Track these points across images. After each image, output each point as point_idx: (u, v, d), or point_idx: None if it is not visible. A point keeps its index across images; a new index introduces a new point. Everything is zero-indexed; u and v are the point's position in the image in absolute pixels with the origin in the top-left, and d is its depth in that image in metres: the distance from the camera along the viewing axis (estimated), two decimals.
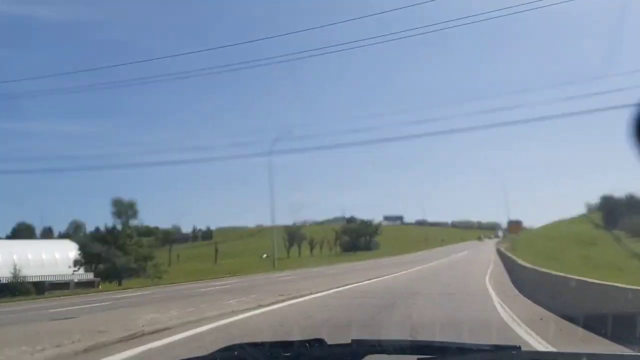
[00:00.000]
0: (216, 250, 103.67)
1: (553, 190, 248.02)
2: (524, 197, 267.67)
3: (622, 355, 2.29)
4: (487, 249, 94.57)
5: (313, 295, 16.79)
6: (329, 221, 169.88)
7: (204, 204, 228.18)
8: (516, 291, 16.92)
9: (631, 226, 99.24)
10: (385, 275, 26.80)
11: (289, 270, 45.25)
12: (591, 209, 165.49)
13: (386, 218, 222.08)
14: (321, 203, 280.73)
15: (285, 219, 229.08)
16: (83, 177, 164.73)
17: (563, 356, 2.74)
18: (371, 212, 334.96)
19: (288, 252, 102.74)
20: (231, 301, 15.21)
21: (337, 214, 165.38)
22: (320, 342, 2.35)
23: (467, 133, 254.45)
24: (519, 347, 2.27)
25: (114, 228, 51.40)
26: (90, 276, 48.17)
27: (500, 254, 63.45)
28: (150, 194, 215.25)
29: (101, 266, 49.18)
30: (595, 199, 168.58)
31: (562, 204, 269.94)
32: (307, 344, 2.35)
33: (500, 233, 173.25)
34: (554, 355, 2.98)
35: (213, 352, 2.43)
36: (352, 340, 2.37)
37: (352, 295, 16.69)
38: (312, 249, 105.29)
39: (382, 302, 14.17)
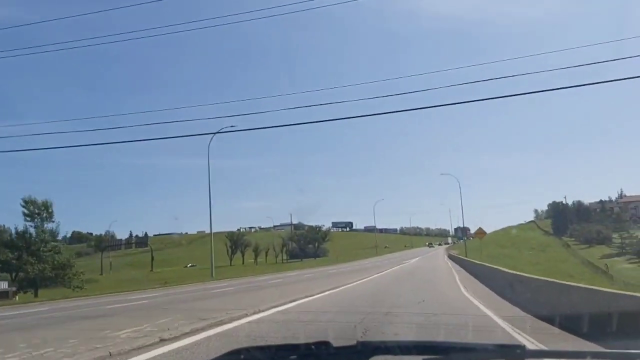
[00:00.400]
0: (152, 258, 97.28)
1: (501, 197, 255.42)
2: (472, 204, 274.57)
3: (627, 353, 2.17)
4: (440, 254, 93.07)
5: (248, 319, 12.06)
6: (277, 227, 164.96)
7: (143, 210, 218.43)
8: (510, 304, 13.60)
9: (580, 233, 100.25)
10: (338, 287, 22.38)
11: (229, 279, 40.15)
12: (539, 216, 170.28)
13: (335, 224, 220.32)
14: (271, 209, 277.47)
15: (230, 225, 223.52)
16: None
17: (567, 355, 2.73)
18: (320, 218, 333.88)
19: (231, 260, 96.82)
20: (125, 331, 10.27)
21: (285, 220, 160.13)
22: (326, 344, 2.33)
23: (419, 139, 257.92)
24: (524, 346, 2.22)
25: (25, 232, 44.68)
26: (4, 285, 42.14)
27: (454, 259, 61.93)
28: (83, 197, 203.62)
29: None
30: (542, 207, 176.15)
31: (510, 211, 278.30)
32: (313, 346, 2.35)
33: (450, 240, 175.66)
34: (558, 354, 2.78)
35: (220, 356, 2.38)
36: (358, 342, 2.36)
37: (303, 319, 12.05)
38: (256, 256, 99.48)
39: (346, 330, 9.69)
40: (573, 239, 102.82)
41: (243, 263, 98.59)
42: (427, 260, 63.57)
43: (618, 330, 7.00)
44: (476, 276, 25.88)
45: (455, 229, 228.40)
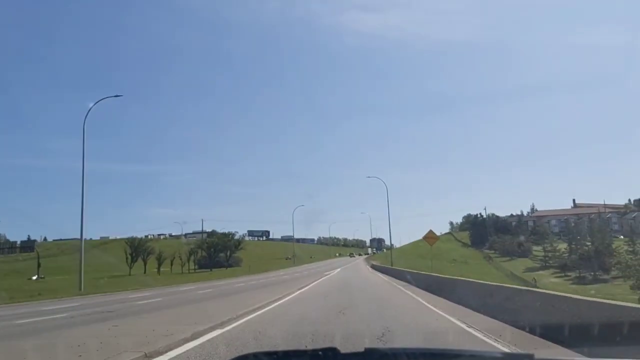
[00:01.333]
0: (38, 265, 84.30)
1: (416, 208, 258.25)
2: (385, 214, 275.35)
3: None
4: (362, 265, 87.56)
5: None
6: (189, 235, 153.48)
7: (45, 213, 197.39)
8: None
9: (500, 246, 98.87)
10: (249, 312, 14.41)
11: (105, 294, 30.81)
12: (454, 228, 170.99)
13: (251, 233, 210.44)
14: (190, 216, 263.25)
15: (139, 231, 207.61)
16: None
17: None
18: (235, 226, 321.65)
19: (130, 269, 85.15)
20: None
21: (198, 227, 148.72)
22: (333, 350, 2.32)
23: (339, 153, 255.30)
24: (532, 355, 2.22)
25: None
26: None
27: (381, 269, 56.06)
28: None
29: None
30: (457, 219, 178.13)
31: (425, 223, 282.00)
32: (320, 352, 2.33)
33: (370, 250, 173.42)
34: None
35: None
36: (366, 348, 2.37)
37: None
38: (159, 265, 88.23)
39: None
40: (493, 251, 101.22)
41: (145, 272, 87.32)
42: (353, 271, 56.96)
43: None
44: (440, 291, 19.32)
45: (371, 240, 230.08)
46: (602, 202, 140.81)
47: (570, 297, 8.36)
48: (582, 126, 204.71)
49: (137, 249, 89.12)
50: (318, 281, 35.19)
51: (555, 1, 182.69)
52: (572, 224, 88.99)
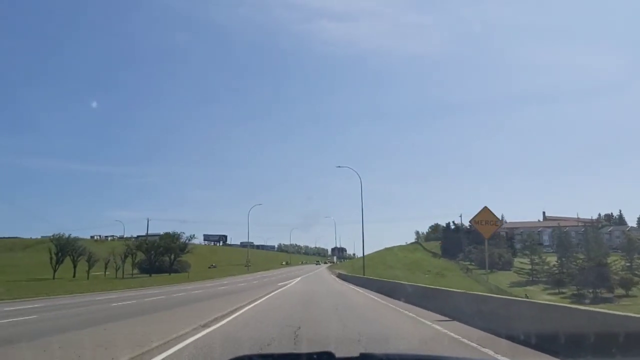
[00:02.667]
0: None
1: (378, 217, 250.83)
2: (345, 226, 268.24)
3: None
4: (325, 273, 77.95)
5: None
6: (141, 237, 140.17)
7: None
8: None
9: (478, 257, 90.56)
10: None
11: None
12: (420, 238, 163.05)
13: (207, 237, 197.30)
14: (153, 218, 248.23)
15: (83, 230, 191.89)
16: None
17: None
18: (193, 228, 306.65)
19: (54, 272, 72.12)
20: None
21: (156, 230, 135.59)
22: (328, 354, 2.26)
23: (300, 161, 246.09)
24: None
25: None
26: None
27: (349, 279, 46.32)
28: None
29: None
30: (422, 228, 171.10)
31: (388, 231, 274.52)
32: (315, 356, 2.26)
33: (335, 258, 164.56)
34: None
35: None
36: (361, 354, 2.31)
37: None
38: (89, 267, 75.27)
39: None
40: (469, 262, 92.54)
41: (74, 276, 74.60)
42: (318, 283, 46.33)
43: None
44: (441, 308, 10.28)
45: (333, 249, 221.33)
46: (573, 216, 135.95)
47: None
48: (554, 139, 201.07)
49: (64, 249, 75.83)
50: (270, 295, 24.62)
51: (508, 21, 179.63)
52: (559, 236, 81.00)
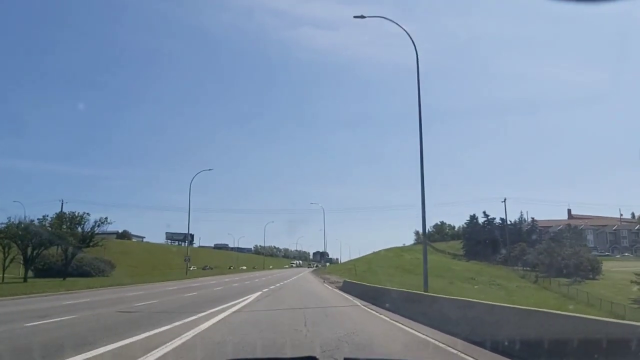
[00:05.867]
0: None
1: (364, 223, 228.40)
2: (336, 226, 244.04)
3: None
4: (313, 279, 52.47)
5: None
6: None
7: None
8: None
9: (534, 260, 60.71)
10: None
11: None
12: (420, 238, 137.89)
13: (169, 237, 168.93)
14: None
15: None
16: None
17: None
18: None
19: None
20: None
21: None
22: (312, 359, 1.81)
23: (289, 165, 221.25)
24: None
25: None
26: None
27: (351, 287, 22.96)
28: None
29: None
30: (412, 230, 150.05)
31: (372, 236, 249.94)
32: None
33: (319, 263, 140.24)
34: None
35: None
36: (345, 358, 2.27)
37: None
38: None
39: None
40: (521, 267, 65.34)
41: None
42: (306, 294, 19.27)
43: None
44: None
45: (314, 253, 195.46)
46: (594, 215, 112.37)
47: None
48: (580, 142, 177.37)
49: None
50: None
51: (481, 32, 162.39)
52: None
